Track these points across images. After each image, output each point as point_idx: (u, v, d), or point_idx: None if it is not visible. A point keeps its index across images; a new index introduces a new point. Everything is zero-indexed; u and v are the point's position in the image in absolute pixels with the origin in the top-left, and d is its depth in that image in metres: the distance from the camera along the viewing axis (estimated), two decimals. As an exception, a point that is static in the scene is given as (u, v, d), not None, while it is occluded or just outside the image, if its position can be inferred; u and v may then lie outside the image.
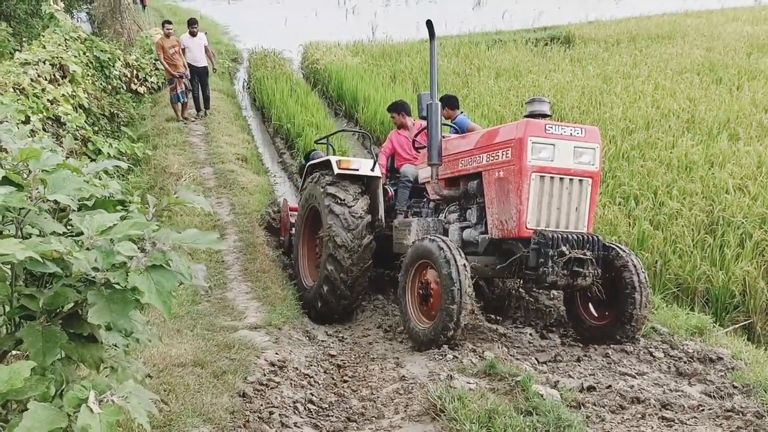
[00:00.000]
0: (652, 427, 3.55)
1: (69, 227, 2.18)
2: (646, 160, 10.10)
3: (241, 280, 6.76)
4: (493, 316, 6.54)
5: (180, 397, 3.48)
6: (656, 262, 7.43)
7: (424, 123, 6.37)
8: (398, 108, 7.73)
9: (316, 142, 9.00)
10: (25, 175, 2.07)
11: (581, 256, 5.05)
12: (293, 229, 7.87)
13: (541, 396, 3.76)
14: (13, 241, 1.66)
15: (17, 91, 8.42)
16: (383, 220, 6.78)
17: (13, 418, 1.73)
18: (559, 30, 22.63)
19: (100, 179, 2.66)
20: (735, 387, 4.44)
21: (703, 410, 3.80)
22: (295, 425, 3.56)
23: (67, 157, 2.62)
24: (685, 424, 3.58)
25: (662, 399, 3.99)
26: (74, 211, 2.14)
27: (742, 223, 7.84)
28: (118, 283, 1.80)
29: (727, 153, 10.13)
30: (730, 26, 21.40)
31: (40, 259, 1.71)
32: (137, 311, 2.09)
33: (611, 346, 5.29)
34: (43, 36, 12.47)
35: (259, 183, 10.26)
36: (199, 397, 3.55)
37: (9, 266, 1.83)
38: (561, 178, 5.28)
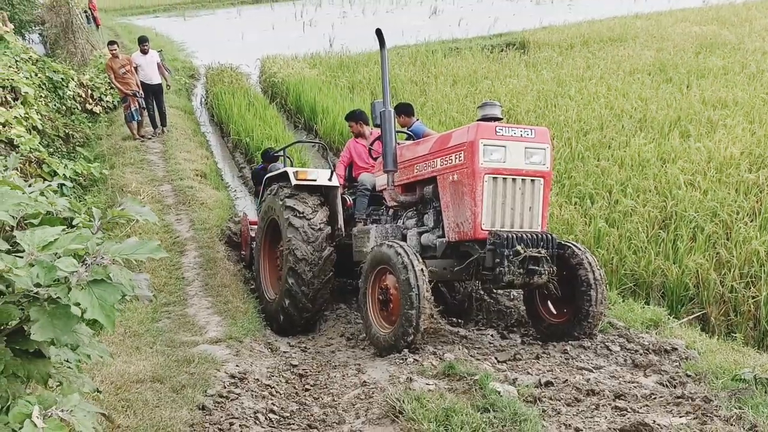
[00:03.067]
0: (606, 417, 3.65)
1: (13, 245, 2.18)
2: (600, 160, 10.32)
3: (201, 296, 6.72)
4: (454, 319, 6.61)
5: (138, 413, 3.47)
6: (612, 259, 7.59)
7: (380, 131, 6.44)
8: (355, 117, 7.79)
9: (264, 152, 9.00)
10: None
11: (536, 254, 5.14)
12: (254, 242, 7.85)
13: (498, 393, 3.83)
14: (-51, 258, 1.66)
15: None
16: (343, 230, 6.83)
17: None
18: (514, 36, 23.01)
19: (45, 197, 2.64)
20: (688, 376, 4.57)
21: (654, 398, 3.91)
22: (256, 435, 3.58)
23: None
24: (637, 412, 3.68)
25: (616, 390, 4.09)
26: (16, 227, 2.13)
27: (694, 217, 8.05)
28: (60, 298, 1.81)
29: (678, 150, 10.40)
30: (679, 27, 21.98)
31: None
32: (83, 325, 2.09)
33: (570, 342, 5.39)
34: (-7, 58, 12.26)
35: (219, 198, 10.23)
36: (157, 412, 3.54)
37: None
38: (513, 179, 5.37)
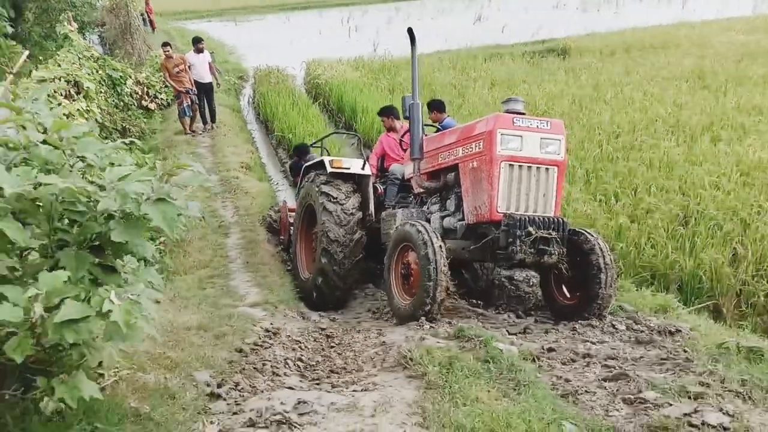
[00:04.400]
0: (595, 372, 4.07)
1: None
2: (629, 161, 10.62)
3: (243, 271, 7.35)
4: (475, 300, 7.05)
5: (186, 350, 4.04)
6: (630, 252, 7.92)
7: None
8: (387, 112, 8.32)
9: (311, 145, 9.61)
10: (59, 141, 2.66)
11: (547, 235, 5.57)
12: (292, 228, 8.44)
13: (500, 350, 4.28)
14: (56, 177, 2.24)
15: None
16: (373, 215, 7.36)
17: (54, 311, 2.29)
18: (556, 42, 23.25)
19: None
20: (685, 351, 4.92)
21: (642, 359, 4.31)
22: (284, 374, 4.11)
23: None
24: (624, 369, 4.09)
25: (610, 354, 4.49)
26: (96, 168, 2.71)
27: (714, 215, 8.32)
28: (132, 213, 2.38)
29: (707, 154, 10.64)
30: (724, 36, 21.92)
31: (76, 190, 2.28)
32: (150, 245, 2.66)
33: (579, 321, 5.77)
34: (58, 55, 13.19)
35: (262, 188, 10.89)
36: (202, 350, 4.10)
37: (51, 199, 2.40)
38: (529, 167, 5.80)
